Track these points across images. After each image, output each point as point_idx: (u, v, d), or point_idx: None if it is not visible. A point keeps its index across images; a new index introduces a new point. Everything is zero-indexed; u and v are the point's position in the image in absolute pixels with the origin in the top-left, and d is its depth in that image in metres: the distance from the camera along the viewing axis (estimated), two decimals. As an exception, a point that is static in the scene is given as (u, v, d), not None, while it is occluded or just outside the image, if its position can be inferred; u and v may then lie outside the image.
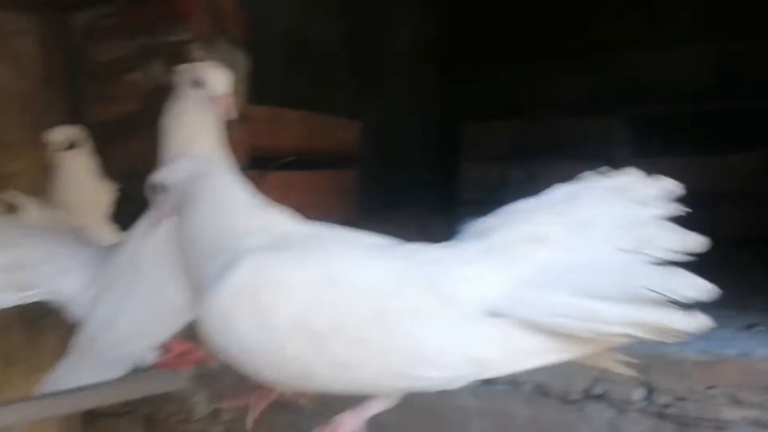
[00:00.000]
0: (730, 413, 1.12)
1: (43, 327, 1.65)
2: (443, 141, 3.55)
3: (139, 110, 1.65)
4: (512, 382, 1.27)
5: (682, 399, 1.15)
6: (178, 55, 1.61)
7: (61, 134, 1.55)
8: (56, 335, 1.61)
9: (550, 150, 3.04)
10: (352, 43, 3.09)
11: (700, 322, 0.79)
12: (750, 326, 1.30)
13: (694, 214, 2.61)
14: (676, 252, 0.79)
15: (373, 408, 0.92)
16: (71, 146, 1.56)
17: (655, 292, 0.74)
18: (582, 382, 1.21)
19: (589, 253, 0.81)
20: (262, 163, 1.92)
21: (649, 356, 1.17)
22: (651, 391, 1.17)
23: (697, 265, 2.14)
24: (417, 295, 0.85)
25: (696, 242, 0.81)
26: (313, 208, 2.10)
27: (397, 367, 0.84)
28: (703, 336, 1.22)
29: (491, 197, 3.17)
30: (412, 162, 3.41)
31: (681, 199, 0.86)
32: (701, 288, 0.77)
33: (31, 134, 1.68)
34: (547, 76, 3.39)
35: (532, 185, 3.17)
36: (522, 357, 0.82)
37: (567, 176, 2.95)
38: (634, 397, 1.18)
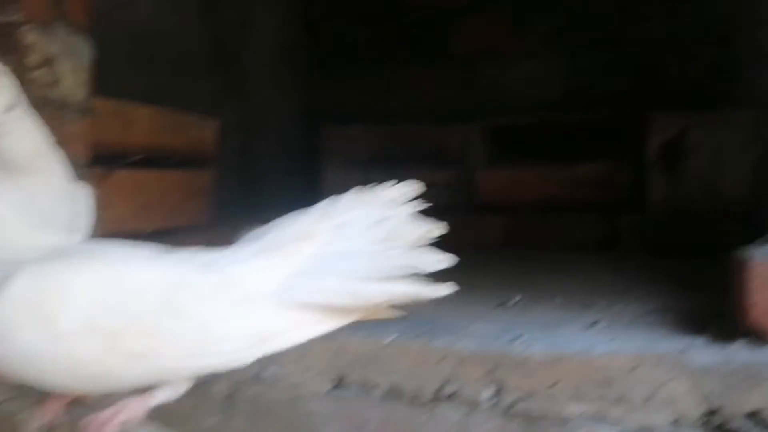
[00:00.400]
0: (573, 408, 1.16)
1: None
2: (306, 144, 3.53)
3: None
4: (364, 385, 1.26)
5: (528, 396, 1.18)
6: (9, 39, 1.47)
7: None
8: None
9: (412, 156, 3.09)
10: (214, 40, 2.99)
11: (445, 288, 0.96)
12: (592, 324, 1.36)
13: (544, 221, 2.76)
14: (420, 238, 0.99)
15: (161, 395, 0.97)
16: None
17: (405, 269, 0.93)
18: (432, 384, 1.21)
19: (349, 245, 0.96)
20: (109, 161, 1.80)
21: (496, 356, 1.19)
22: (499, 390, 1.19)
23: (546, 268, 2.23)
24: (201, 282, 0.93)
25: (435, 229, 1.02)
26: (163, 210, 2.01)
27: (191, 348, 0.92)
28: (548, 334, 1.27)
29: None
30: (273, 164, 3.35)
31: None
32: (443, 260, 0.96)
33: None
34: (409, 84, 3.46)
35: (393, 190, 3.17)
36: (300, 330, 0.95)
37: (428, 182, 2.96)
38: (482, 397, 1.19)
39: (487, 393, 1.20)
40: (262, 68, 3.32)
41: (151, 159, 1.97)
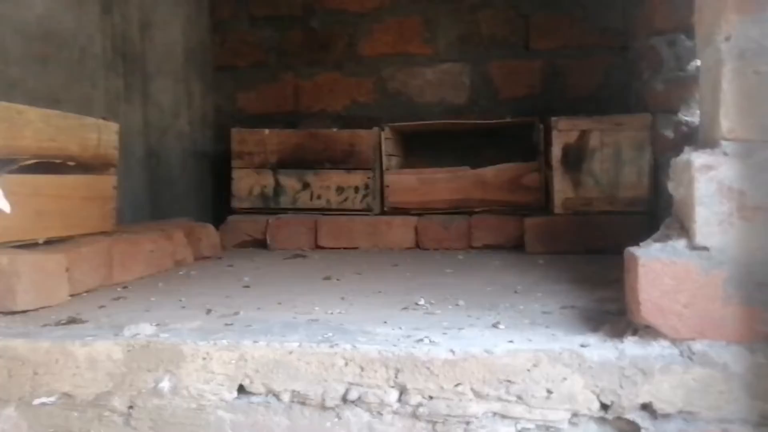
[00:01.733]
0: (476, 408, 1.17)
1: None
2: (216, 147, 3.46)
3: None
4: (269, 392, 1.23)
5: (433, 398, 1.18)
6: None
7: None
8: None
9: (323, 159, 3.08)
10: (116, 41, 2.88)
11: None
12: (494, 325, 1.38)
13: (453, 220, 2.78)
14: None
15: None
16: None
17: None
18: (338, 389, 1.20)
19: None
20: (-3, 166, 1.70)
21: (400, 359, 1.19)
22: (403, 392, 1.19)
23: (452, 270, 2.25)
24: None
25: None
26: (59, 216, 1.92)
27: None
28: (451, 336, 1.28)
29: (265, 206, 3.15)
30: (182, 168, 3.27)
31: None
32: None
33: None
34: (319, 87, 3.44)
35: (305, 193, 3.22)
36: None
37: (339, 185, 2.94)
38: (387, 400, 1.19)
39: (392, 396, 1.19)
40: (168, 70, 3.23)
41: (47, 164, 1.88)
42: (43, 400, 1.29)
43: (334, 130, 3.15)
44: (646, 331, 1.18)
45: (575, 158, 2.70)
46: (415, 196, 3.01)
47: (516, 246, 2.75)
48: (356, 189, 3.05)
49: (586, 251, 2.55)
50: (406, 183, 3.04)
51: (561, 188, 2.71)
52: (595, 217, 2.66)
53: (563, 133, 2.70)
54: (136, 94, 3.04)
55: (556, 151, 2.70)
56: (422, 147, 3.19)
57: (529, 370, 1.16)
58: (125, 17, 2.97)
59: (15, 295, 1.58)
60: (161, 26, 3.19)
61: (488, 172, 2.95)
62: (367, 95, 3.43)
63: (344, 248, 2.92)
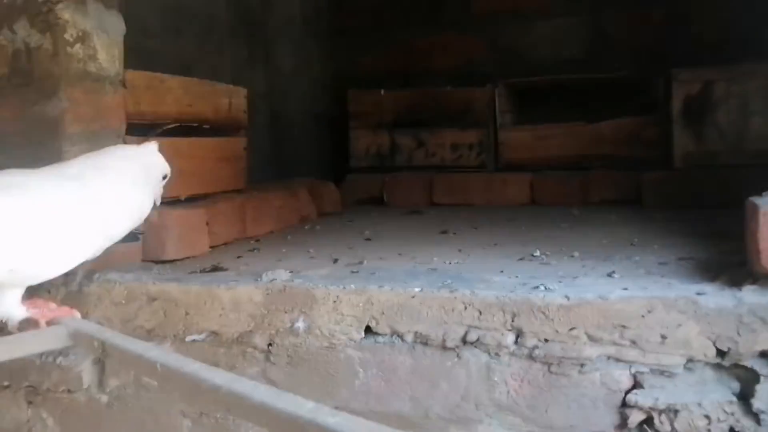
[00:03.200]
0: (590, 351, 1.22)
1: None
2: (333, 109, 3.58)
3: (5, 74, 1.57)
4: (394, 333, 1.33)
5: (548, 341, 1.24)
6: (46, 16, 1.55)
7: None
8: None
9: (437, 118, 3.13)
10: (239, 11, 3.04)
11: None
12: (608, 275, 1.41)
13: (569, 178, 2.79)
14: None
15: None
16: None
17: None
18: (457, 331, 1.28)
19: None
20: (145, 130, 1.88)
21: (517, 303, 1.25)
22: (519, 335, 1.25)
23: (568, 224, 2.28)
24: None
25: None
26: (198, 176, 2.09)
27: None
28: (566, 284, 1.33)
29: (381, 164, 3.26)
30: (302, 130, 3.41)
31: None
32: None
33: None
34: (433, 46, 3.47)
35: (420, 151, 3.29)
36: None
37: (453, 142, 3.00)
38: (504, 342, 1.26)
39: (509, 338, 1.26)
40: (288, 36, 3.36)
41: (185, 127, 2.04)
42: (194, 337, 1.45)
43: (448, 88, 3.18)
44: (766, 280, 1.19)
45: (698, 110, 2.62)
46: (530, 152, 3.02)
47: (634, 201, 2.72)
48: (470, 146, 3.09)
49: (708, 206, 2.48)
50: (521, 139, 3.05)
51: (682, 142, 2.65)
52: (719, 170, 2.58)
53: (685, 84, 2.62)
54: (259, 61, 3.20)
55: (677, 104, 2.63)
56: (537, 103, 3.17)
57: (643, 316, 1.20)
58: (248, -13, 3.11)
59: (164, 246, 1.76)
60: (281, -6, 3.32)
61: (605, 126, 2.90)
62: (480, 52, 3.43)
63: (459, 205, 2.97)
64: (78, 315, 1.06)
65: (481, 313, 1.27)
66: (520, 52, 3.37)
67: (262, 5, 3.23)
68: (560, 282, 1.36)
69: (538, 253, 1.69)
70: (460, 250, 1.80)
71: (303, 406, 0.54)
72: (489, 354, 1.28)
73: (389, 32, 3.57)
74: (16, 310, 0.99)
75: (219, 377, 0.64)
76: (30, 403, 1.61)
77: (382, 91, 3.23)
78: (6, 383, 1.61)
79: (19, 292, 1.01)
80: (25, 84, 1.55)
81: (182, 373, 0.68)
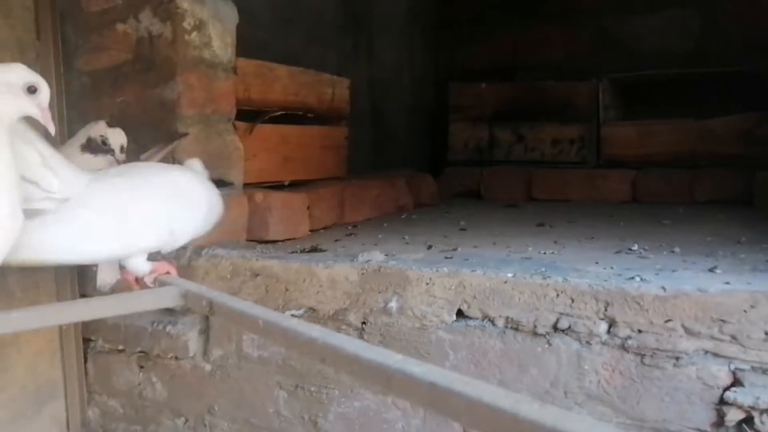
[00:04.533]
0: (686, 344, 1.20)
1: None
2: (434, 101, 3.60)
3: (129, 60, 1.69)
4: (485, 317, 1.35)
5: (642, 332, 1.22)
6: (167, 6, 1.65)
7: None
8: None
9: (538, 112, 3.10)
10: (345, 6, 3.12)
11: None
12: (710, 270, 1.37)
13: (674, 175, 2.70)
14: None
15: None
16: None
17: None
18: (548, 318, 1.28)
19: None
20: (252, 116, 1.97)
21: (610, 292, 1.24)
22: (612, 324, 1.24)
23: (671, 221, 2.21)
24: None
25: None
26: (301, 162, 2.17)
27: None
28: (664, 276, 1.31)
29: (479, 158, 3.25)
30: (402, 122, 3.46)
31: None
32: None
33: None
34: (536, 40, 3.43)
35: (519, 146, 3.26)
36: None
37: (554, 137, 2.96)
38: (596, 331, 1.25)
39: (601, 327, 1.25)
40: (391, 31, 3.41)
41: (290, 115, 2.13)
42: (293, 312, 1.51)
43: (550, 82, 3.15)
44: None
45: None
46: (633, 148, 2.94)
47: (745, 201, 2.59)
48: (571, 141, 3.05)
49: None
50: (624, 135, 2.97)
51: (799, 140, 2.51)
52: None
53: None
54: (363, 54, 3.27)
55: (795, 100, 2.49)
56: (642, 98, 3.08)
57: (745, 311, 1.16)
58: (354, -19, 3.19)
59: (268, 226, 1.84)
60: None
61: (716, 123, 2.79)
62: (583, 46, 3.35)
63: (557, 200, 2.94)
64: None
65: (573, 300, 1.27)
66: (625, 45, 3.27)
67: (367, 1, 3.30)
68: (657, 274, 1.33)
69: (636, 247, 1.66)
70: (555, 242, 1.79)
71: (391, 357, 0.58)
72: (580, 342, 1.27)
73: (492, 26, 3.55)
74: (144, 266, 1.14)
75: (315, 331, 0.68)
76: (141, 367, 1.74)
77: (483, 85, 3.24)
78: (121, 347, 1.74)
79: (145, 254, 1.15)
80: (147, 69, 1.66)
81: (282, 327, 0.73)
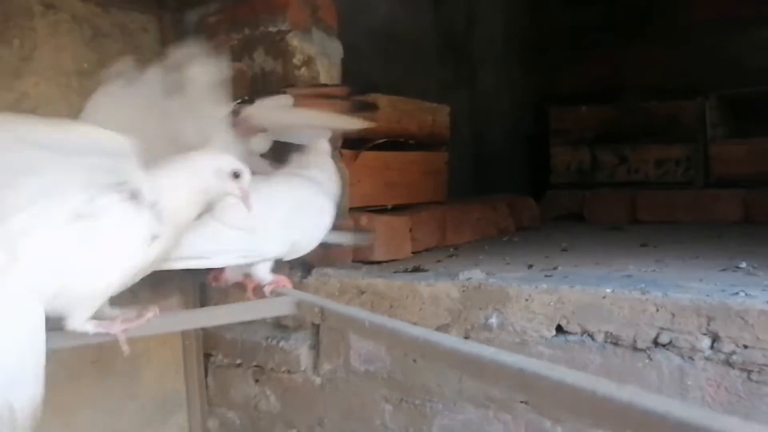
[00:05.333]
0: (795, 360, 1.18)
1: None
2: (533, 127, 3.62)
3: (245, 94, 1.84)
4: (584, 332, 1.37)
5: (747, 347, 1.21)
6: (278, 44, 1.79)
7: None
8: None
9: (642, 133, 3.06)
10: (444, 36, 3.22)
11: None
12: (823, 284, 1.34)
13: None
14: None
15: None
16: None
17: None
18: (648, 333, 1.29)
19: None
20: (357, 144, 2.08)
21: (713, 307, 1.24)
22: (716, 340, 1.24)
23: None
24: None
25: None
26: (403, 187, 2.26)
27: None
28: (770, 290, 1.29)
29: (581, 181, 3.25)
30: (503, 148, 3.50)
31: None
32: None
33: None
34: (637, 61, 3.39)
35: (622, 167, 3.23)
36: None
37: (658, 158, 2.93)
38: (699, 346, 1.25)
39: (704, 343, 1.25)
40: (490, 58, 3.48)
41: (393, 142, 2.22)
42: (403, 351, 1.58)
43: (653, 102, 3.10)
44: None
45: None
46: (745, 167, 2.85)
47: None
48: (677, 162, 2.99)
49: None
50: (734, 154, 2.89)
51: None
52: None
53: None
54: (463, 82, 3.35)
55: None
56: (752, 115, 2.98)
57: None
58: (452, 14, 3.28)
59: (372, 248, 1.93)
60: (485, 16, 3.45)
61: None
62: (687, 63, 3.28)
63: (663, 222, 2.88)
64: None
65: (674, 315, 1.27)
66: (732, 61, 3.17)
67: (466, 28, 3.39)
68: (764, 290, 1.31)
69: (744, 265, 1.63)
70: (658, 261, 1.78)
71: (485, 350, 0.64)
72: (682, 357, 1.27)
73: (591, 48, 3.54)
74: (267, 276, 1.26)
75: (416, 330, 0.75)
76: (257, 380, 1.86)
77: (584, 108, 3.23)
78: (239, 361, 1.87)
79: (269, 265, 1.28)
80: (260, 103, 1.80)
81: (386, 328, 0.80)
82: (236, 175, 1.08)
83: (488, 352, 0.63)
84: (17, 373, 0.85)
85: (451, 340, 0.68)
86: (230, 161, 1.08)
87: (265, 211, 1.22)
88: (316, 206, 1.37)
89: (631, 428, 0.44)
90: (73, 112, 1.70)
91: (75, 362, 1.69)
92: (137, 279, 1.04)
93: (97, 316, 1.01)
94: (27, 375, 0.86)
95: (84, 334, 0.98)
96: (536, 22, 3.75)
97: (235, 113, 1.47)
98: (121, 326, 1.03)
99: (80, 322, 0.99)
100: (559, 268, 1.72)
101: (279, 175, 1.44)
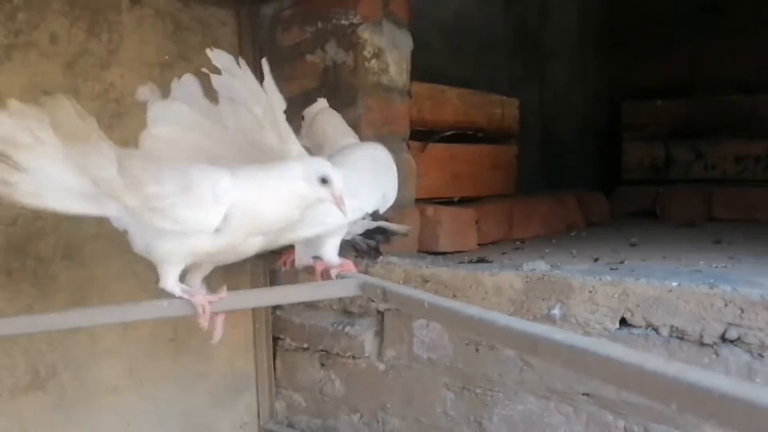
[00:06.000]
0: None
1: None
2: (606, 121, 3.56)
3: (316, 86, 1.89)
4: (648, 326, 1.36)
5: (819, 345, 1.18)
6: (350, 37, 1.83)
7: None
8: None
9: (719, 128, 2.98)
10: (516, 29, 3.20)
11: None
12: None
13: None
14: None
15: None
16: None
17: None
18: (716, 328, 1.27)
19: None
20: (425, 136, 2.10)
21: (784, 302, 1.21)
22: (786, 336, 1.21)
23: None
24: None
25: None
26: (470, 179, 2.27)
27: None
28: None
29: (654, 177, 3.17)
30: (573, 142, 3.46)
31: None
32: None
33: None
34: (716, 55, 3.29)
35: (698, 164, 3.15)
36: None
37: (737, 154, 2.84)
38: (768, 342, 1.22)
39: (773, 339, 1.22)
40: (563, 52, 3.44)
41: (460, 134, 2.24)
42: (459, 330, 1.60)
43: (733, 96, 3.01)
44: None
45: None
46: (830, 163, 2.73)
47: None
48: (757, 158, 2.89)
49: None
50: (819, 150, 2.77)
51: None
52: None
53: None
54: (533, 76, 3.32)
55: None
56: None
57: None
58: (524, 7, 3.26)
59: (437, 239, 1.95)
60: (558, 10, 3.41)
61: None
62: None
63: (741, 220, 2.79)
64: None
65: (743, 311, 1.25)
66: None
67: (539, 22, 3.35)
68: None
69: (821, 263, 1.58)
70: (730, 257, 1.74)
71: (536, 327, 0.66)
72: (751, 354, 1.25)
73: (668, 42, 3.45)
74: (335, 259, 1.28)
75: (472, 309, 0.77)
76: (322, 365, 1.91)
77: (659, 102, 3.16)
78: (305, 345, 1.92)
79: (337, 243, 1.31)
80: (331, 95, 1.84)
81: (444, 307, 0.82)
82: (324, 181, 1.09)
83: (540, 329, 0.65)
84: None
85: (505, 318, 0.70)
86: (318, 167, 1.10)
87: (361, 175, 1.30)
88: (391, 162, 1.45)
89: (676, 401, 0.45)
90: (154, 102, 1.80)
91: (153, 340, 1.78)
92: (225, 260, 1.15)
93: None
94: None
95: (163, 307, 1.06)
96: (611, 15, 3.67)
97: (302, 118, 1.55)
98: (203, 298, 1.09)
99: (166, 281, 1.09)
100: (626, 262, 1.70)
101: (355, 145, 1.50)
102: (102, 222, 1.43)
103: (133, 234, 1.11)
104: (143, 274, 1.63)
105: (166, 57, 1.81)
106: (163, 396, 1.82)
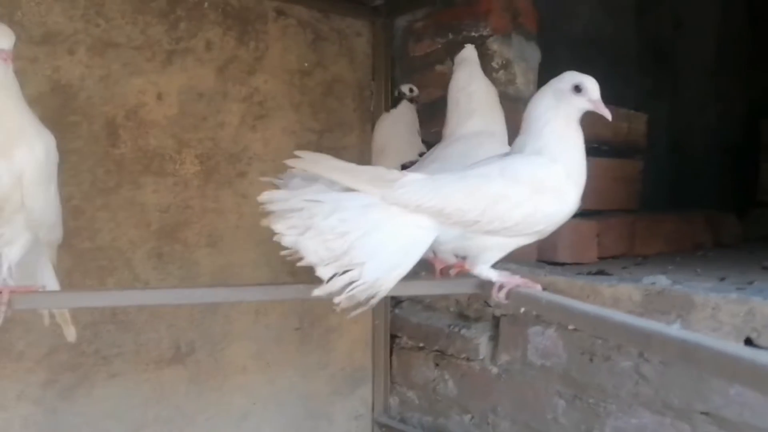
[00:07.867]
0: None
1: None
2: (741, 139, 3.41)
3: (443, 96, 1.95)
4: (774, 346, 1.32)
5: None
6: (479, 48, 1.89)
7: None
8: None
9: None
10: (647, 43, 3.14)
11: None
12: None
13: None
14: None
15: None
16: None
17: None
18: None
19: None
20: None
21: None
22: None
23: None
24: None
25: None
26: (593, 192, 2.25)
27: None
28: None
29: (793, 199, 3.00)
30: (705, 160, 3.34)
31: None
32: None
33: (359, 116, 2.10)
34: None
35: None
36: None
37: None
38: None
39: None
40: (697, 68, 3.33)
41: (586, 147, 2.23)
42: (574, 326, 1.62)
43: None
44: None
45: None
46: None
47: None
48: None
49: None
50: None
51: None
52: None
53: None
54: (665, 91, 3.24)
55: None
56: None
57: None
58: (657, 21, 3.19)
59: (556, 249, 1.97)
60: (693, 25, 3.31)
61: None
62: None
63: None
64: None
65: None
66: None
67: (673, 35, 3.27)
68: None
69: None
70: None
71: (650, 324, 0.69)
72: None
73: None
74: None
75: (587, 307, 0.81)
76: (437, 365, 1.97)
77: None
78: (421, 345, 1.99)
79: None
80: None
81: (560, 305, 0.86)
82: (578, 89, 1.10)
83: (655, 326, 0.68)
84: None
85: (620, 315, 0.74)
86: (566, 77, 1.11)
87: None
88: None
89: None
90: (294, 106, 1.93)
91: (281, 327, 1.91)
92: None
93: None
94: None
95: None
96: (753, 30, 3.51)
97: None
98: (516, 281, 1.12)
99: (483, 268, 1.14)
100: (755, 283, 1.65)
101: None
102: (242, 214, 1.58)
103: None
104: (276, 265, 1.76)
105: (306, 64, 1.94)
106: (286, 380, 1.94)
